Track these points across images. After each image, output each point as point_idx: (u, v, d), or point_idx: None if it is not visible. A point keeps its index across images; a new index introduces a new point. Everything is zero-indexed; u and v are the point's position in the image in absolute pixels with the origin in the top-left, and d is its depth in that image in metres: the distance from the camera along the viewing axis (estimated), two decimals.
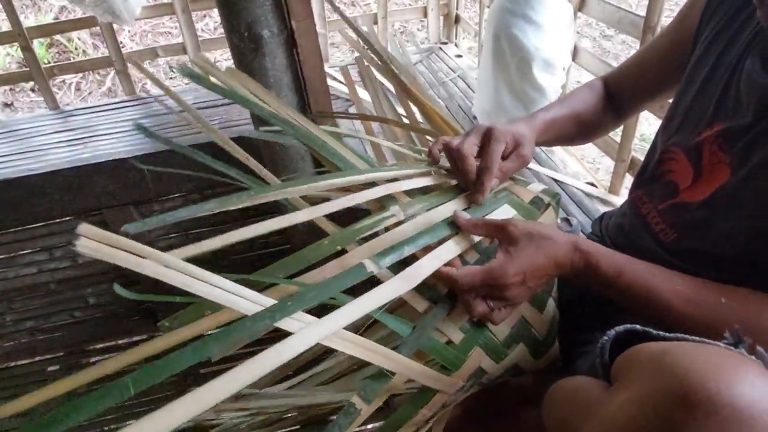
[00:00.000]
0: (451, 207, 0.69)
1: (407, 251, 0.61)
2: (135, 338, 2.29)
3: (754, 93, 0.59)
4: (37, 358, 2.29)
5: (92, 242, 0.39)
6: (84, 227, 0.38)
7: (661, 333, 0.45)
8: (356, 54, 1.72)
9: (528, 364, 0.69)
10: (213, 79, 0.78)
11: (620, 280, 0.58)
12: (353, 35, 1.13)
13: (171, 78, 3.55)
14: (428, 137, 1.01)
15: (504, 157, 0.71)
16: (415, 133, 1.04)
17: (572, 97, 0.88)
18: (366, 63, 1.21)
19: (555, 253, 0.59)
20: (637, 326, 0.47)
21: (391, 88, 1.60)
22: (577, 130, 0.85)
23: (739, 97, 0.61)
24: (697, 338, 0.41)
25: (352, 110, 1.93)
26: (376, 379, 0.57)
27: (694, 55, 0.70)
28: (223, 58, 3.49)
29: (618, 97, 0.88)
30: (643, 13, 1.24)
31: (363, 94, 1.49)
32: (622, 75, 0.88)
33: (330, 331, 0.50)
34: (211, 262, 2.14)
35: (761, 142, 0.57)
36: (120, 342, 2.28)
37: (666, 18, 1.22)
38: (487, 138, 0.70)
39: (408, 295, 0.62)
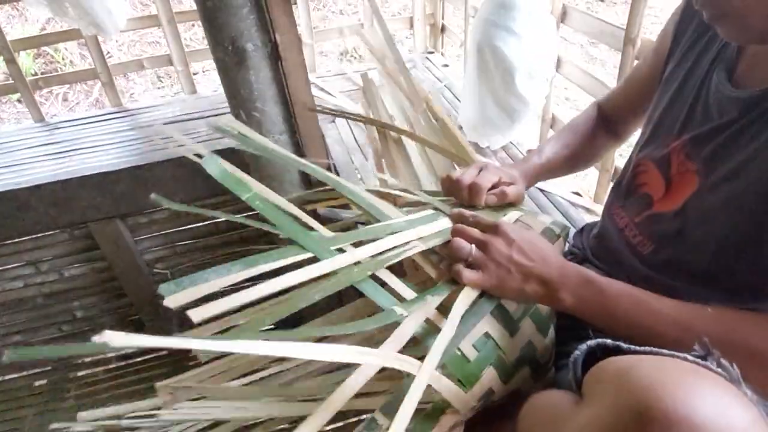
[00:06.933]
0: None
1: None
2: (124, 352, 2.27)
3: (721, 104, 0.61)
4: (24, 373, 2.27)
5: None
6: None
7: (632, 347, 0.45)
8: (345, 62, 1.72)
9: (528, 387, 0.69)
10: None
11: (612, 288, 0.59)
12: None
13: (159, 88, 3.54)
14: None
15: (506, 185, 0.81)
16: (428, 147, 1.08)
17: (567, 131, 0.94)
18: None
19: (549, 251, 0.63)
20: (608, 340, 0.47)
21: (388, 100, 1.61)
22: (572, 163, 0.93)
23: (707, 108, 0.63)
24: (666, 351, 0.42)
25: (340, 120, 1.93)
26: (396, 394, 0.56)
27: (666, 73, 0.72)
28: (211, 67, 3.48)
29: (613, 118, 0.92)
30: (624, 23, 1.26)
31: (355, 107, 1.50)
32: (614, 99, 0.93)
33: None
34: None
35: (729, 151, 0.59)
36: (109, 355, 2.27)
37: (651, 24, 1.24)
38: (481, 169, 0.82)
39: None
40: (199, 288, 0.51)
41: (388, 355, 0.54)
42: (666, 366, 0.38)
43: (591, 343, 0.48)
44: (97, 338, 0.36)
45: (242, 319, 0.56)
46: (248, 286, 0.54)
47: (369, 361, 0.52)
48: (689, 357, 0.40)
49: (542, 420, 0.50)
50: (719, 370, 0.39)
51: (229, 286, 0.54)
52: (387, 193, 0.87)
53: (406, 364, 0.55)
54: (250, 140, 0.79)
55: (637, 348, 0.44)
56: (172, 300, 0.48)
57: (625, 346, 0.45)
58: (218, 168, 0.65)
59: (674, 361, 0.39)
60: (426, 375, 0.55)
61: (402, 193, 0.91)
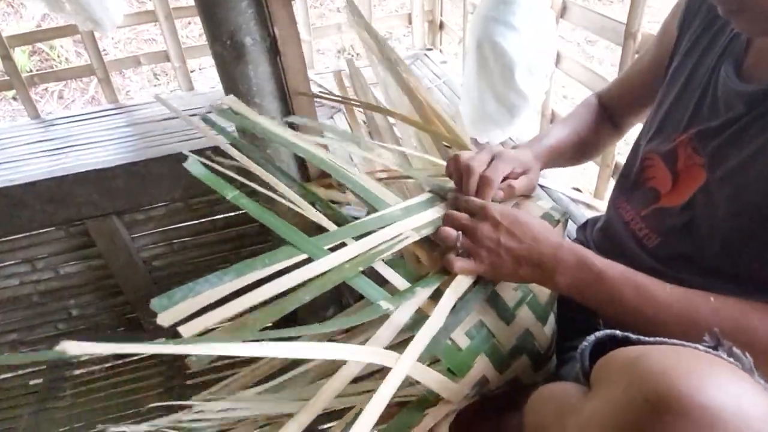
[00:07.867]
0: None
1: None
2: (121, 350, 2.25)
3: (728, 98, 0.60)
4: (20, 372, 2.25)
5: None
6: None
7: (641, 338, 0.45)
8: (342, 60, 1.72)
9: (528, 377, 0.69)
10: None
11: (609, 271, 0.58)
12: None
13: (155, 85, 3.52)
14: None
15: (515, 178, 0.76)
16: (418, 129, 1.07)
17: (572, 118, 0.91)
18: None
19: (541, 231, 0.61)
20: (617, 331, 0.47)
21: (379, 95, 1.60)
22: (579, 150, 0.89)
23: (715, 102, 0.62)
24: (676, 341, 0.41)
25: (339, 117, 1.92)
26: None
27: (673, 65, 0.71)
28: (208, 64, 3.47)
29: (613, 111, 0.91)
30: (625, 19, 1.25)
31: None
32: (614, 90, 0.91)
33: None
34: (196, 269, 2.11)
35: (735, 146, 0.58)
36: (105, 354, 2.24)
37: (648, 23, 1.23)
38: (494, 157, 0.74)
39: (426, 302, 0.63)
40: (192, 301, 0.51)
41: (365, 351, 0.54)
42: (678, 354, 0.37)
43: (599, 334, 0.47)
44: (57, 347, 0.37)
45: (232, 324, 0.56)
46: (240, 289, 0.55)
47: (344, 356, 0.52)
48: (700, 347, 0.39)
49: (550, 411, 0.49)
50: (731, 359, 0.38)
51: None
52: (382, 171, 0.87)
53: (382, 358, 0.54)
54: (250, 121, 0.79)
55: (648, 339, 0.43)
56: (165, 317, 0.49)
57: (634, 337, 0.45)
58: (201, 169, 0.67)
59: (686, 350, 0.38)
60: (404, 368, 0.54)
61: (399, 168, 0.91)
